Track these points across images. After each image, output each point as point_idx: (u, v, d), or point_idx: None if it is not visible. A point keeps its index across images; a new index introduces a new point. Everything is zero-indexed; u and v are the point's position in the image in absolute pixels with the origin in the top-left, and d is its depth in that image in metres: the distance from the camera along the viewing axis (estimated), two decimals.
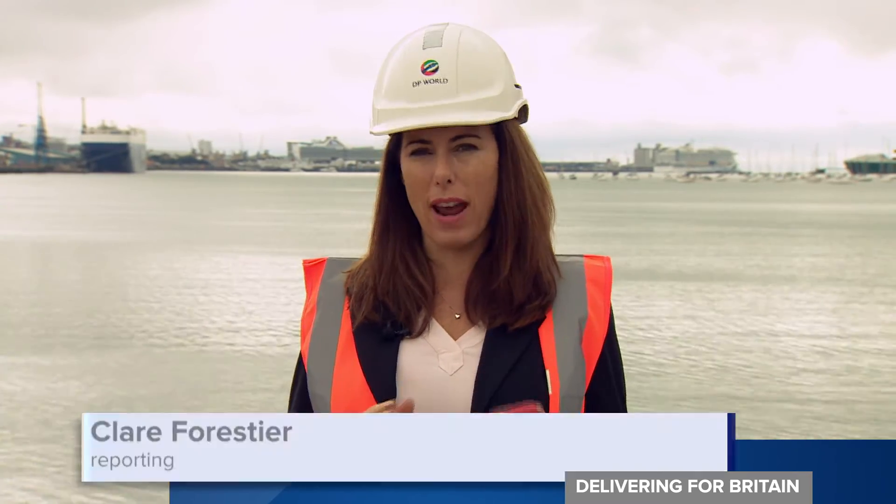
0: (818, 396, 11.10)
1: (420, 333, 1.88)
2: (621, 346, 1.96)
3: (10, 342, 14.00)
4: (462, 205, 1.85)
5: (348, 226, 40.76)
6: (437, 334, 1.89)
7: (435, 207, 1.86)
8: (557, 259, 1.94)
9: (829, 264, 26.14)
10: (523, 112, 1.93)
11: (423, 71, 1.85)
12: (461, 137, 1.85)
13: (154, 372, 12.20)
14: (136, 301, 18.27)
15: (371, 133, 1.91)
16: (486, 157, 1.86)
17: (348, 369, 1.85)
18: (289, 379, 1.98)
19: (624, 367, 1.96)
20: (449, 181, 1.84)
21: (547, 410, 1.81)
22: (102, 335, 14.57)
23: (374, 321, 1.88)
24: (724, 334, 14.89)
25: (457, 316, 1.91)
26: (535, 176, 1.91)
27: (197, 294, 19.28)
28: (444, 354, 1.86)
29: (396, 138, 1.91)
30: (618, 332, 1.95)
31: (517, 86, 1.92)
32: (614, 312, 1.94)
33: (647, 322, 15.69)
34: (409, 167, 1.87)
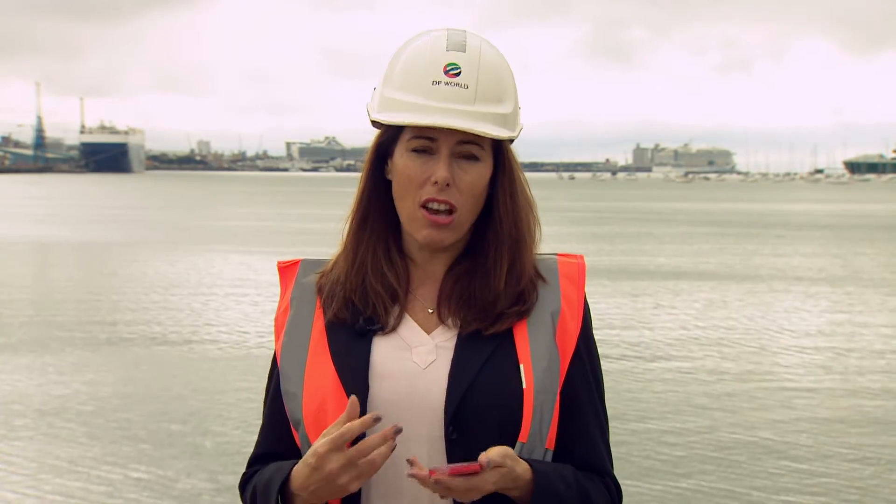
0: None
1: (393, 329, 1.87)
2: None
3: (7, 340, 14.22)
4: (451, 211, 1.85)
5: (330, 225, 41.04)
6: (409, 329, 1.87)
7: (425, 207, 1.85)
8: (536, 261, 1.94)
9: (803, 264, 26.33)
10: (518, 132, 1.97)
11: (446, 72, 1.85)
12: (466, 144, 1.85)
13: (145, 369, 12.42)
14: (122, 300, 18.64)
15: (375, 118, 1.90)
16: (483, 170, 1.87)
17: (320, 366, 1.83)
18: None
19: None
20: (448, 184, 1.84)
21: (521, 406, 1.80)
22: (94, 333, 14.91)
23: (343, 319, 1.87)
24: (675, 329, 15.32)
25: (430, 311, 1.90)
26: (525, 196, 1.92)
27: (183, 293, 19.54)
28: (417, 348, 1.85)
29: (394, 131, 1.89)
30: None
31: (519, 107, 1.95)
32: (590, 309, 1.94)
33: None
34: (407, 163, 1.86)
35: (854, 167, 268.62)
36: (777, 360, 13.25)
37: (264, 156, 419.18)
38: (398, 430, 1.70)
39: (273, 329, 1.96)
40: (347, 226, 1.94)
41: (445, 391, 1.80)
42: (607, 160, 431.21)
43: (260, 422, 1.97)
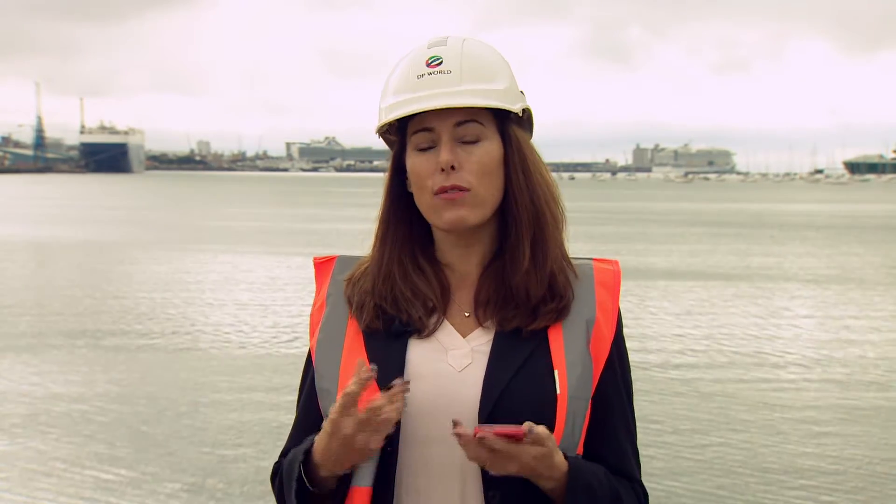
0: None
1: (430, 333, 1.88)
2: None
3: (6, 340, 14.30)
4: (466, 190, 1.86)
5: (327, 226, 41.20)
6: (446, 332, 1.88)
7: (439, 194, 1.87)
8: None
9: (795, 264, 26.40)
10: (528, 121, 1.95)
11: (428, 65, 1.87)
12: (465, 124, 1.86)
13: (146, 369, 12.47)
14: (117, 300, 18.78)
15: (377, 131, 1.94)
16: (489, 148, 1.87)
17: (355, 364, 1.81)
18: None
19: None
20: (452, 167, 1.84)
21: (554, 412, 1.81)
22: (86, 333, 14.98)
23: (376, 328, 1.89)
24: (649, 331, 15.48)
25: (466, 315, 1.90)
26: (541, 174, 1.91)
27: (180, 293, 19.65)
28: (452, 351, 1.86)
29: (402, 140, 1.92)
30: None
31: (521, 91, 1.94)
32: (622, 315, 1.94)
33: None
34: (415, 161, 1.88)
35: (854, 167, 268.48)
36: (762, 359, 13.33)
37: (264, 156, 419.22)
38: (405, 386, 1.73)
39: (308, 325, 1.97)
40: (374, 239, 1.96)
41: (480, 394, 1.81)
42: (607, 160, 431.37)
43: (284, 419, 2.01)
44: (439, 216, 1.88)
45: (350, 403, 1.70)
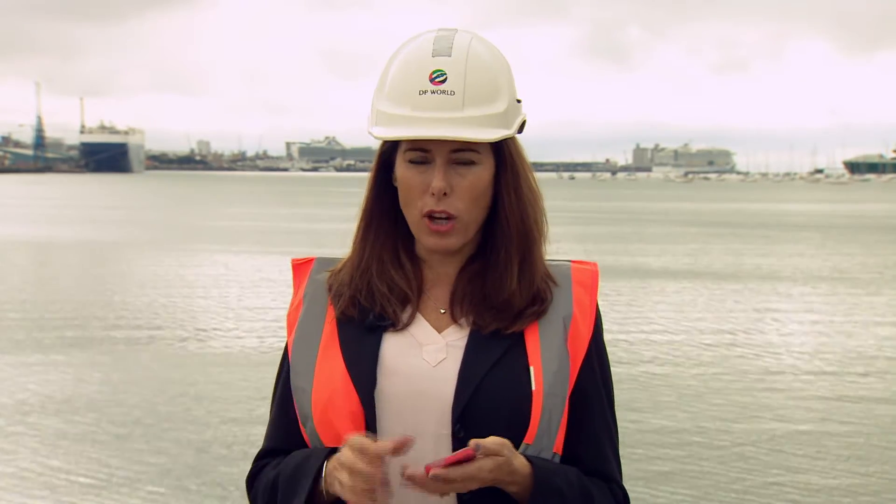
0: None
1: (404, 327, 1.87)
2: None
3: (4, 339, 14.52)
4: (453, 217, 1.86)
5: (322, 226, 41.18)
6: (421, 327, 1.88)
7: (428, 216, 1.86)
8: (546, 264, 1.94)
9: (789, 264, 26.41)
10: (521, 125, 1.93)
11: (431, 80, 1.83)
12: (461, 151, 1.84)
13: (144, 369, 12.50)
14: (113, 300, 18.82)
15: (370, 133, 1.89)
16: (482, 173, 1.86)
17: (330, 361, 1.84)
18: (268, 379, 2.04)
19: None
20: (444, 193, 1.84)
21: (529, 408, 1.80)
22: (78, 333, 15.01)
23: (352, 315, 1.89)
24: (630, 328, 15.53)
25: (442, 311, 1.90)
26: (531, 190, 1.91)
27: (171, 294, 19.66)
28: (427, 346, 1.85)
29: (393, 142, 1.90)
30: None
31: (518, 100, 1.92)
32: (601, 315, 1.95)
33: None
34: (405, 173, 1.87)
35: (854, 167, 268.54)
36: (755, 357, 13.36)
37: (264, 156, 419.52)
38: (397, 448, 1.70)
39: (285, 325, 1.96)
40: (354, 232, 1.95)
41: (454, 389, 1.80)
42: (607, 160, 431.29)
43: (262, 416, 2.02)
44: (424, 238, 1.88)
45: (362, 449, 1.70)
